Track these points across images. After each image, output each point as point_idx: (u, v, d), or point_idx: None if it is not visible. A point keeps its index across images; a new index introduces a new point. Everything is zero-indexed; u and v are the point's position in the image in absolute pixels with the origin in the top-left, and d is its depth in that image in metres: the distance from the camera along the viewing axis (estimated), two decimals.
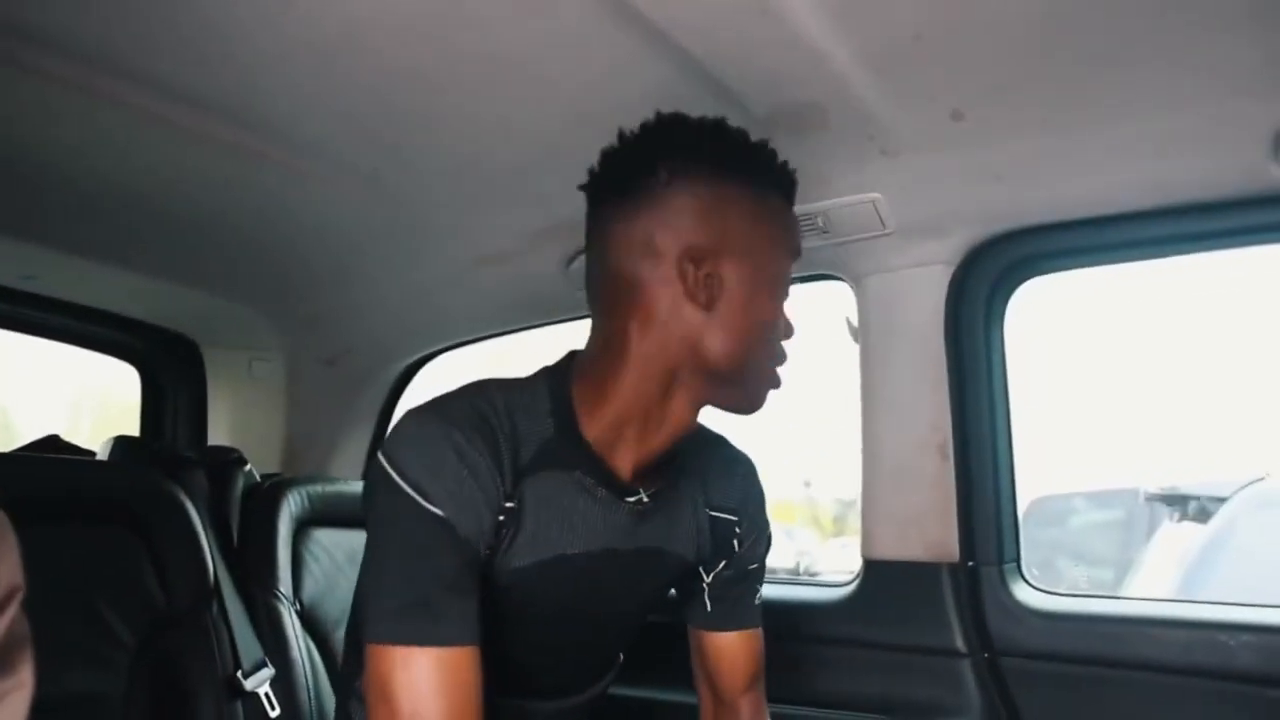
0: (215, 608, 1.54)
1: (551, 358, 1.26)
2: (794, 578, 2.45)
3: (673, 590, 1.41)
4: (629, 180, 1.14)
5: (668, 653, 1.51)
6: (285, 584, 1.74)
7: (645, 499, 1.21)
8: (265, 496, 1.82)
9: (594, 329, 1.21)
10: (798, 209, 1.33)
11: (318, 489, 1.94)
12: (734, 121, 1.26)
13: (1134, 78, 1.31)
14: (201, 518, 1.58)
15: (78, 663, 1.38)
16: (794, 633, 1.80)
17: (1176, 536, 3.35)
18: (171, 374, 2.45)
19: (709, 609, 1.39)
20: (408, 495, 1.05)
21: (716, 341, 1.13)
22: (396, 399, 2.47)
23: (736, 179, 1.15)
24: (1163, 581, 3.20)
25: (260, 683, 1.55)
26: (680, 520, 1.29)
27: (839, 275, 1.81)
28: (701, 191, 1.12)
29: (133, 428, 2.48)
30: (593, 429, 1.17)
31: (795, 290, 1.33)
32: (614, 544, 1.20)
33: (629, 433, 1.17)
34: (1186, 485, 3.55)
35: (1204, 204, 1.49)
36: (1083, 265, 1.68)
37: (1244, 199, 1.46)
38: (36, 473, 1.47)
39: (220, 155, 1.54)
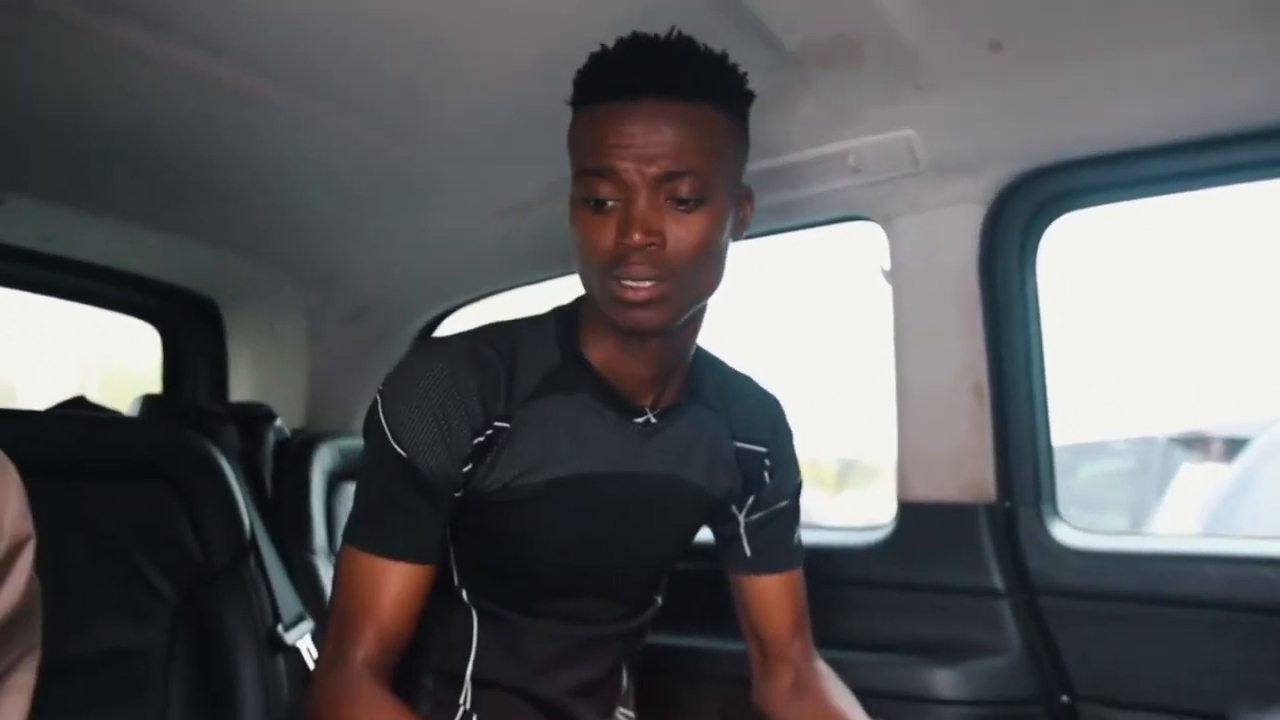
0: (253, 562, 1.54)
1: None
2: (830, 524, 2.46)
3: (711, 535, 1.42)
4: None
5: (714, 599, 1.51)
6: (320, 538, 1.75)
7: (653, 419, 1.24)
8: (297, 451, 1.83)
9: None
10: (828, 149, 1.31)
11: (347, 443, 1.94)
12: (763, 57, 1.25)
13: (1171, 4, 1.29)
14: (235, 473, 1.58)
15: (120, 617, 1.38)
16: (831, 578, 1.80)
17: (1200, 478, 3.35)
18: (192, 334, 2.47)
19: (748, 553, 1.39)
20: (381, 429, 1.16)
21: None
22: None
23: (575, 106, 1.16)
24: (1189, 522, 3.21)
25: (300, 635, 1.55)
26: (699, 450, 1.30)
27: (869, 216, 1.79)
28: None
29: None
30: (597, 355, 1.22)
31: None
32: (630, 466, 1.24)
33: (620, 355, 1.21)
34: (1209, 427, 3.55)
35: (1238, 135, 1.47)
36: (1116, 199, 1.65)
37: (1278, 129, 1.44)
38: (74, 431, 1.46)
39: (238, 107, 1.53)
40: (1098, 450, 4.51)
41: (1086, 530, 1.70)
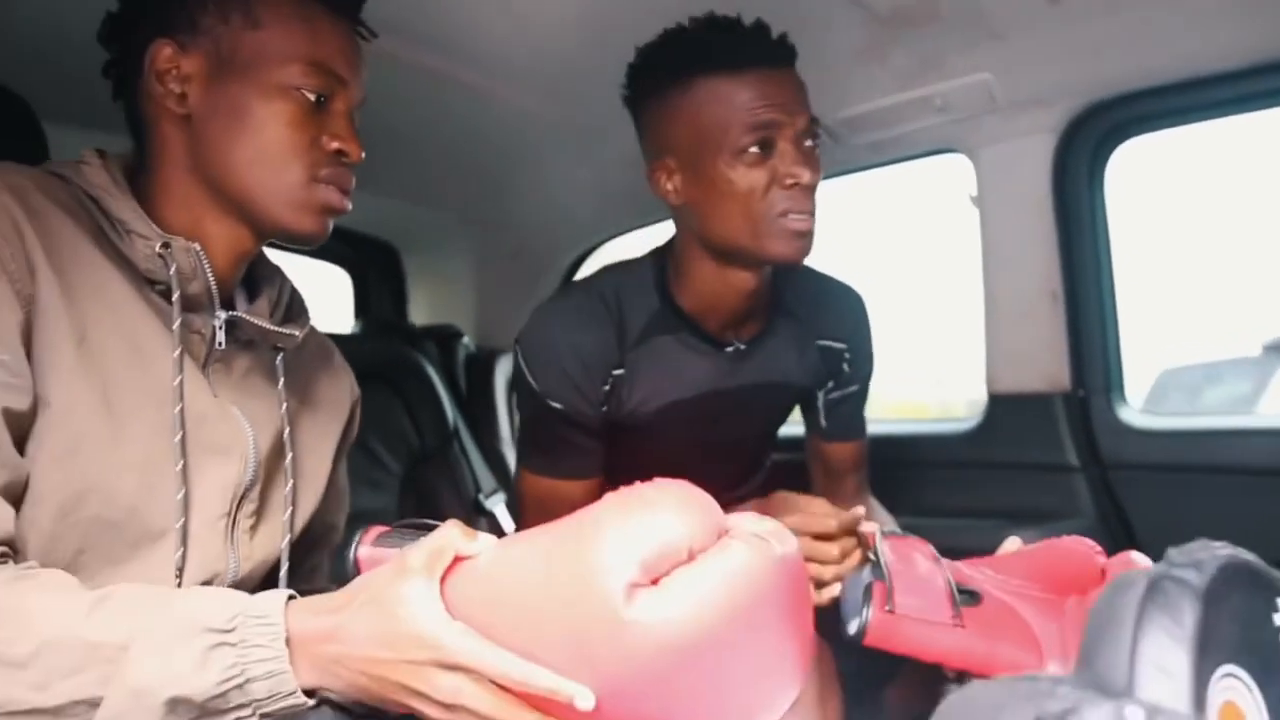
0: (456, 446, 1.93)
1: None
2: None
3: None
4: (637, 125, 1.45)
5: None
6: (505, 430, 2.13)
7: (742, 347, 1.50)
8: (483, 362, 2.21)
9: None
10: (917, 92, 1.58)
11: None
12: (858, 19, 1.51)
13: None
14: (439, 378, 1.96)
15: (362, 487, 1.78)
16: (933, 461, 2.11)
17: None
18: (376, 274, 2.84)
19: (824, 424, 1.69)
20: (528, 382, 1.44)
21: (718, 229, 1.36)
22: (572, 278, 2.76)
23: (667, 85, 1.35)
24: None
25: (496, 503, 1.94)
26: (788, 356, 1.57)
27: (956, 149, 2.04)
28: (650, 111, 1.39)
29: None
30: (687, 301, 1.47)
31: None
32: (727, 384, 1.51)
33: (710, 303, 1.46)
34: None
35: (1275, 63, 1.68)
36: (1172, 125, 1.88)
37: None
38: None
39: (414, 77, 1.80)
40: (1226, 369, 4.59)
41: (1149, 413, 1.96)
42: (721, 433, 1.58)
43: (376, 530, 0.99)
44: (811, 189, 1.34)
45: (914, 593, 0.96)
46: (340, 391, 1.27)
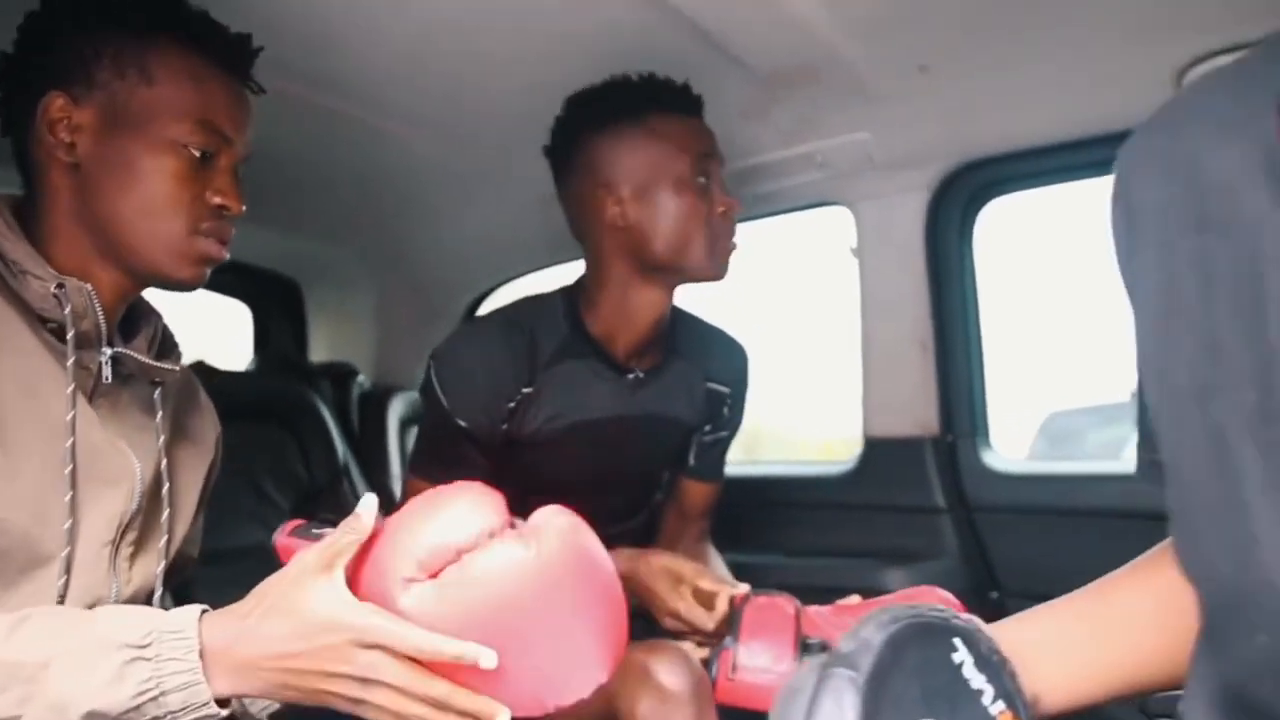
0: (346, 485, 1.96)
1: None
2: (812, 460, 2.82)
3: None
4: (559, 151, 1.63)
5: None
6: (395, 468, 2.16)
7: (641, 375, 1.64)
8: (377, 400, 2.25)
9: (585, 257, 1.65)
10: (800, 149, 1.68)
11: (413, 395, 2.35)
12: (742, 78, 1.62)
13: (1061, 29, 1.59)
14: (330, 416, 2.00)
15: (252, 523, 1.80)
16: (811, 500, 2.19)
17: None
18: (277, 309, 2.85)
19: (692, 462, 1.81)
20: (437, 396, 1.53)
21: (654, 250, 1.53)
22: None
23: (619, 120, 1.54)
24: None
25: None
26: (679, 392, 1.70)
27: (837, 202, 2.14)
28: (598, 141, 1.54)
29: None
30: (595, 328, 1.60)
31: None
32: (619, 410, 1.63)
33: (619, 325, 1.60)
34: None
35: (1126, 132, 1.80)
36: (1037, 186, 2.01)
37: None
38: (215, 384, 1.88)
39: (320, 120, 1.85)
40: (1108, 413, 4.79)
41: (1010, 458, 2.07)
42: (614, 462, 1.67)
43: (293, 523, 1.09)
44: (734, 218, 1.58)
45: (762, 652, 1.07)
46: (206, 426, 1.33)
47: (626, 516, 1.79)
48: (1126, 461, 2.41)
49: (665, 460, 1.79)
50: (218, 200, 1.11)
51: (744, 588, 1.38)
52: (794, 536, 1.94)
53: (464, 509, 0.92)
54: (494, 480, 1.62)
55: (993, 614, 1.98)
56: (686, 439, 1.79)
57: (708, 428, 1.78)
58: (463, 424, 1.53)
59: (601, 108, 1.55)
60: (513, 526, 0.94)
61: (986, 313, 2.09)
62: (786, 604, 1.14)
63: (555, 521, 0.94)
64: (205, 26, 1.14)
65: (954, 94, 1.81)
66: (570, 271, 1.73)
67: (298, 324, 2.84)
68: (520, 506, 1.66)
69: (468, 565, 0.88)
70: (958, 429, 2.06)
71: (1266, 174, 0.49)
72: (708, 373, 1.74)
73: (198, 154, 1.10)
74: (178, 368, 1.18)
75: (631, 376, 1.63)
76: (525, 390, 1.56)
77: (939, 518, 2.05)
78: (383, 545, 0.90)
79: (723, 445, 1.83)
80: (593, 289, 1.61)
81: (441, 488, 0.95)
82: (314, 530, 1.05)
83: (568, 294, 1.65)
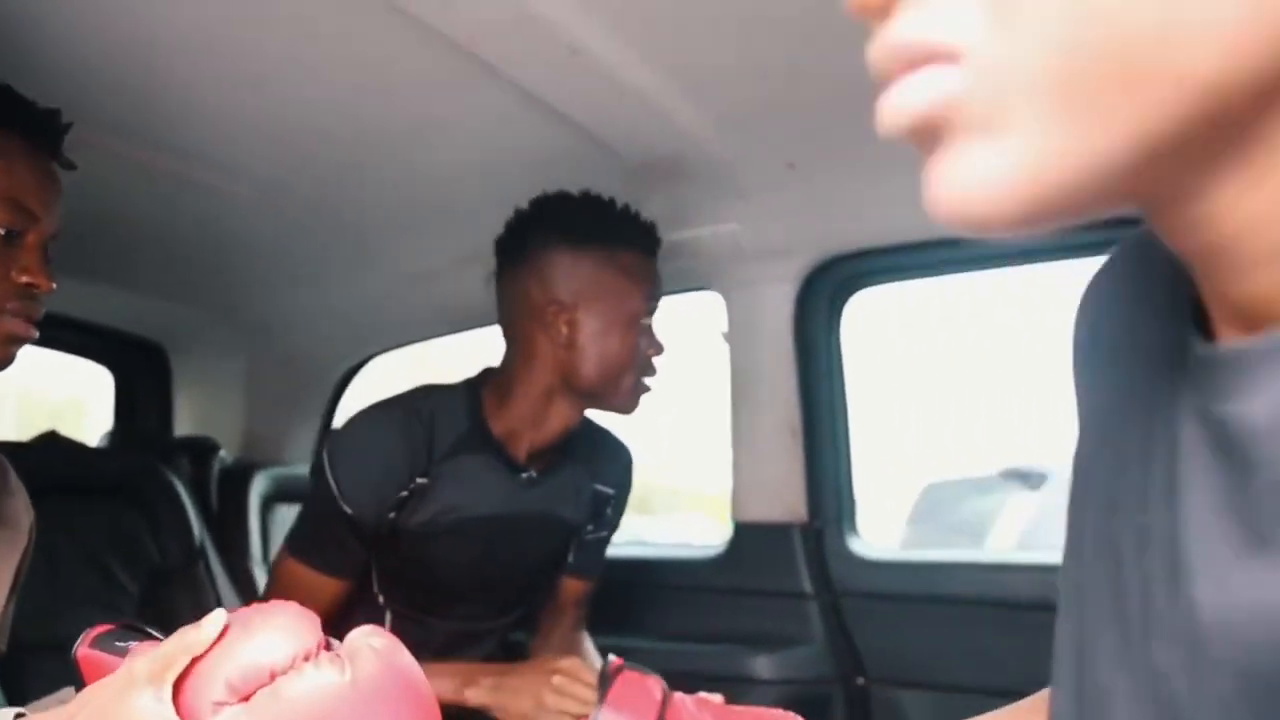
0: (202, 567, 1.89)
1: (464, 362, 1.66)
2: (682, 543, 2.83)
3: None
4: (513, 247, 1.60)
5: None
6: (256, 550, 2.10)
7: (534, 475, 1.65)
8: (238, 478, 2.18)
9: (504, 354, 1.66)
10: (673, 237, 1.71)
11: (279, 471, 2.30)
12: (610, 169, 1.64)
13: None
14: (187, 494, 1.93)
15: (94, 607, 1.72)
16: (679, 584, 2.19)
17: (1021, 505, 3.85)
18: (141, 375, 2.76)
19: (570, 559, 1.83)
20: (327, 479, 1.54)
21: (583, 373, 1.57)
22: (342, 393, 2.77)
23: (590, 242, 1.55)
24: (1011, 539, 3.70)
25: None
26: (568, 493, 1.72)
27: (712, 288, 2.17)
28: (563, 257, 1.55)
29: (55, 423, 2.78)
30: (498, 426, 1.62)
31: (674, 301, 1.71)
32: (510, 508, 1.64)
33: (524, 428, 1.62)
34: (1024, 464, 4.08)
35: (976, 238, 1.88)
36: (899, 279, 2.07)
37: None
38: (59, 459, 1.82)
39: (189, 192, 1.85)
40: (981, 485, 4.96)
41: (876, 545, 2.11)
42: (497, 558, 1.67)
43: (96, 631, 0.99)
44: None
45: None
46: (17, 511, 1.25)
47: (504, 612, 1.79)
48: (991, 550, 2.49)
49: (547, 558, 1.79)
50: (25, 279, 1.08)
51: (616, 660, 1.37)
52: (663, 619, 1.94)
53: (277, 630, 0.89)
54: (374, 572, 1.63)
55: (859, 699, 2.02)
56: (569, 538, 1.80)
57: (590, 527, 1.81)
58: (348, 510, 1.52)
59: (572, 225, 1.58)
60: (328, 648, 0.91)
61: (855, 399, 2.14)
62: (655, 686, 1.14)
63: (371, 642, 0.92)
64: (10, 102, 1.11)
65: (821, 190, 1.85)
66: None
67: (163, 392, 2.76)
68: (395, 599, 1.66)
69: (280, 688, 0.85)
70: (825, 516, 2.09)
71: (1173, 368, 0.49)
72: (595, 475, 1.78)
73: (3, 233, 1.06)
74: None
75: (525, 475, 1.64)
76: (419, 480, 1.56)
77: (806, 603, 2.06)
78: (201, 664, 0.87)
79: (603, 544, 1.86)
80: (506, 388, 1.63)
81: (257, 606, 0.92)
82: (118, 643, 0.99)
83: (471, 387, 1.66)
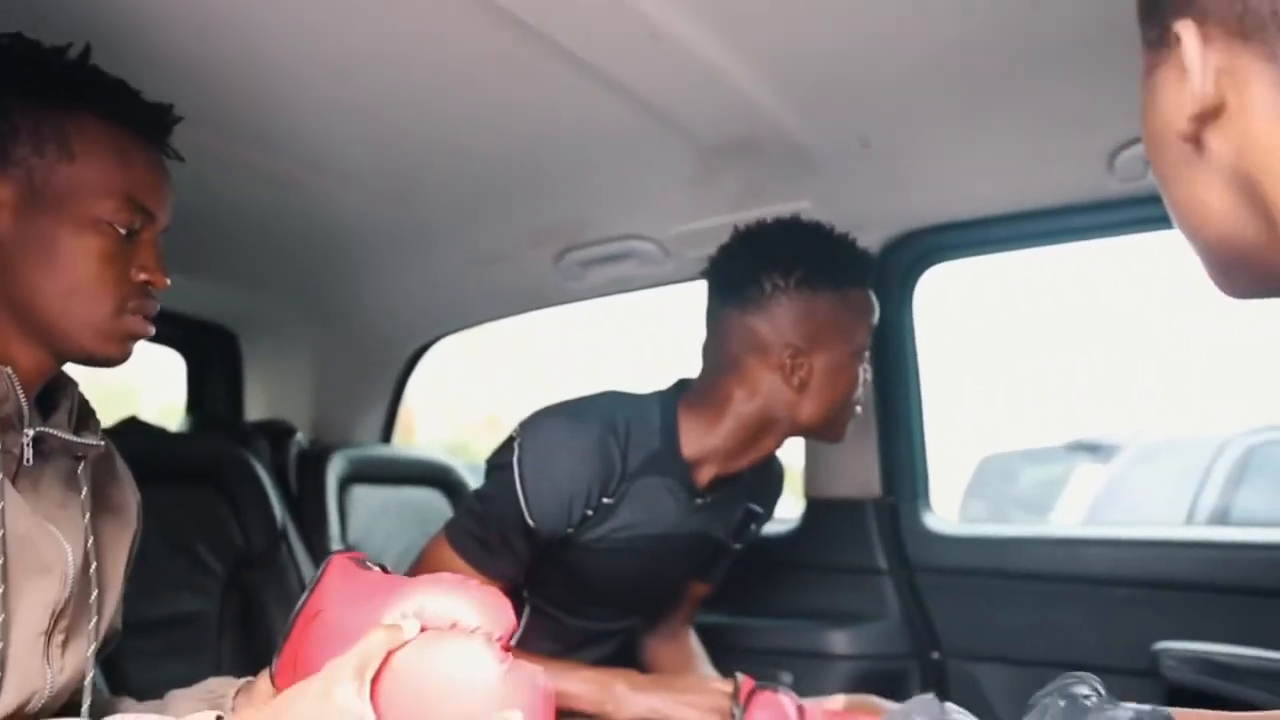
0: (284, 548, 1.93)
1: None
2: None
3: None
4: (740, 284, 1.54)
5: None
6: (335, 530, 2.13)
7: (708, 499, 1.63)
8: (315, 460, 2.21)
9: (703, 374, 1.62)
10: (744, 215, 1.70)
11: (354, 453, 2.33)
12: (684, 150, 1.64)
13: (998, 110, 1.65)
14: (268, 477, 1.96)
15: (184, 588, 1.77)
16: (755, 561, 2.19)
17: (1088, 477, 3.80)
18: (213, 361, 2.79)
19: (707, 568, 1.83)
20: (515, 489, 1.48)
21: (808, 411, 1.53)
22: (409, 374, 2.81)
23: (825, 285, 1.51)
24: (1076, 513, 3.67)
25: None
26: (725, 515, 1.71)
27: None
28: (799, 303, 1.50)
29: (110, 409, 2.80)
30: (690, 448, 1.57)
31: None
32: (678, 529, 1.62)
33: (718, 457, 1.58)
34: (1093, 436, 4.02)
35: (1062, 208, 1.87)
36: (973, 255, 2.06)
37: (1091, 204, 1.84)
38: (142, 444, 1.85)
39: (267, 183, 1.86)
40: (1039, 456, 4.91)
41: (950, 520, 2.10)
42: (652, 572, 1.67)
43: (344, 554, 1.07)
44: None
45: None
46: (127, 494, 1.28)
47: (639, 615, 1.82)
48: (1063, 525, 2.47)
49: (693, 571, 1.79)
50: (143, 277, 1.08)
51: (747, 679, 1.41)
52: (739, 595, 1.95)
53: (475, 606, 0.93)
54: (528, 572, 1.63)
55: (936, 674, 2.02)
56: (718, 554, 1.80)
57: (735, 543, 1.80)
58: (531, 524, 1.49)
59: (808, 269, 1.52)
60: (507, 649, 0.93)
61: (927, 374, 2.13)
62: (789, 703, 1.20)
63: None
64: (125, 97, 1.11)
65: (894, 167, 1.85)
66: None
67: (234, 376, 2.80)
68: (539, 597, 1.67)
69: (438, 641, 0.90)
70: (899, 492, 2.09)
71: None
72: (751, 494, 1.75)
73: (123, 231, 1.07)
74: (101, 442, 1.14)
75: (700, 501, 1.62)
76: (605, 500, 1.54)
77: (881, 578, 2.07)
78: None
79: (735, 555, 1.84)
80: (712, 415, 1.57)
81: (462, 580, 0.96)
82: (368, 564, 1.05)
83: (666, 403, 1.61)
